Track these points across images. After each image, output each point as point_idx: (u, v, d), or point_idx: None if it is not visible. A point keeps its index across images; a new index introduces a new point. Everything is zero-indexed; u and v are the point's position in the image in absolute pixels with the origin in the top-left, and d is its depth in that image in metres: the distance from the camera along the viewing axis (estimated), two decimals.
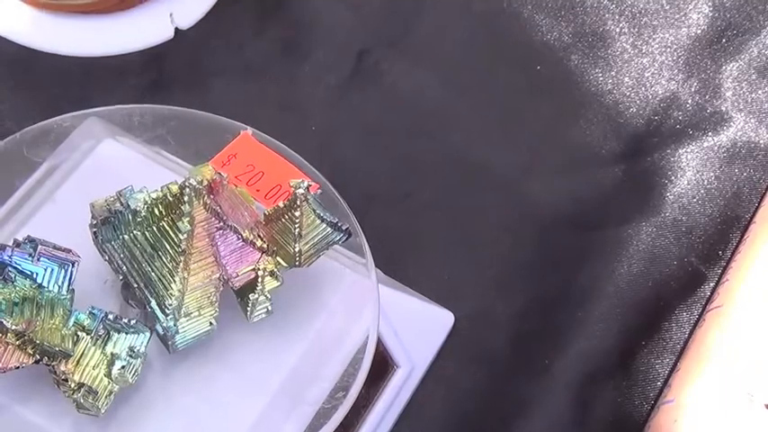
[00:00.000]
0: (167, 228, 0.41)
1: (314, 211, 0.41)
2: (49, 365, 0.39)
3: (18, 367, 0.38)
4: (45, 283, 0.39)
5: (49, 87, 0.60)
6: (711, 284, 0.56)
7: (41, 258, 0.40)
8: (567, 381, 0.52)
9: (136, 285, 0.41)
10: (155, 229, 0.41)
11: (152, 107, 0.48)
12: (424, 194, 0.58)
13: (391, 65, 0.63)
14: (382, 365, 0.50)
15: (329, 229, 0.42)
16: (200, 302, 0.41)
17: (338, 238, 0.42)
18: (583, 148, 0.61)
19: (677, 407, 0.49)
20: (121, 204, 0.41)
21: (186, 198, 0.40)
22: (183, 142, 0.48)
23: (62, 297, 0.40)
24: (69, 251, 0.41)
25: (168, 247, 0.41)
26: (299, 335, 0.43)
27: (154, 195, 0.41)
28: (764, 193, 0.59)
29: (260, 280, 0.41)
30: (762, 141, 0.61)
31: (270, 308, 0.42)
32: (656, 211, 0.58)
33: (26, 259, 0.40)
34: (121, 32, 0.61)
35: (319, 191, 0.42)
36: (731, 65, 0.64)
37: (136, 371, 0.39)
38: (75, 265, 0.40)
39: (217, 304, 0.41)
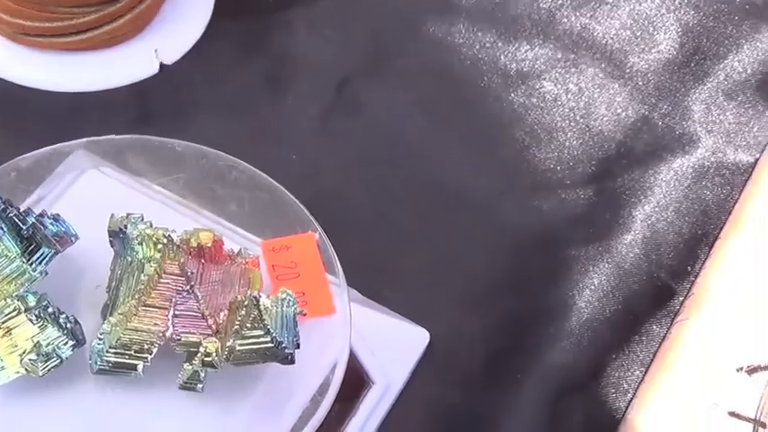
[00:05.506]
0: (142, 265, 0.43)
1: (262, 320, 0.41)
2: None
3: None
4: (25, 254, 0.41)
5: (37, 123, 0.61)
6: (680, 299, 0.57)
7: (32, 232, 0.42)
8: (539, 395, 0.53)
9: (108, 301, 0.43)
10: (138, 260, 0.43)
11: (254, 170, 0.49)
12: (401, 217, 0.60)
13: (370, 95, 0.65)
14: (358, 382, 0.51)
15: (270, 344, 0.41)
16: (138, 344, 0.41)
17: (277, 356, 0.41)
18: (555, 170, 0.62)
19: (644, 416, 0.51)
20: (125, 227, 0.43)
21: (159, 247, 0.42)
22: (255, 212, 0.49)
23: (32, 274, 0.41)
24: (66, 242, 0.43)
25: (133, 282, 0.42)
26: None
27: (149, 231, 0.43)
28: (731, 211, 0.60)
29: (198, 356, 0.41)
30: (728, 161, 0.62)
31: (200, 387, 0.41)
32: (626, 230, 0.59)
33: (17, 225, 0.41)
34: (108, 68, 0.63)
35: (303, 312, 0.42)
36: (699, 88, 0.66)
37: (48, 368, 0.41)
38: (55, 253, 0.42)
39: (152, 353, 0.41)
